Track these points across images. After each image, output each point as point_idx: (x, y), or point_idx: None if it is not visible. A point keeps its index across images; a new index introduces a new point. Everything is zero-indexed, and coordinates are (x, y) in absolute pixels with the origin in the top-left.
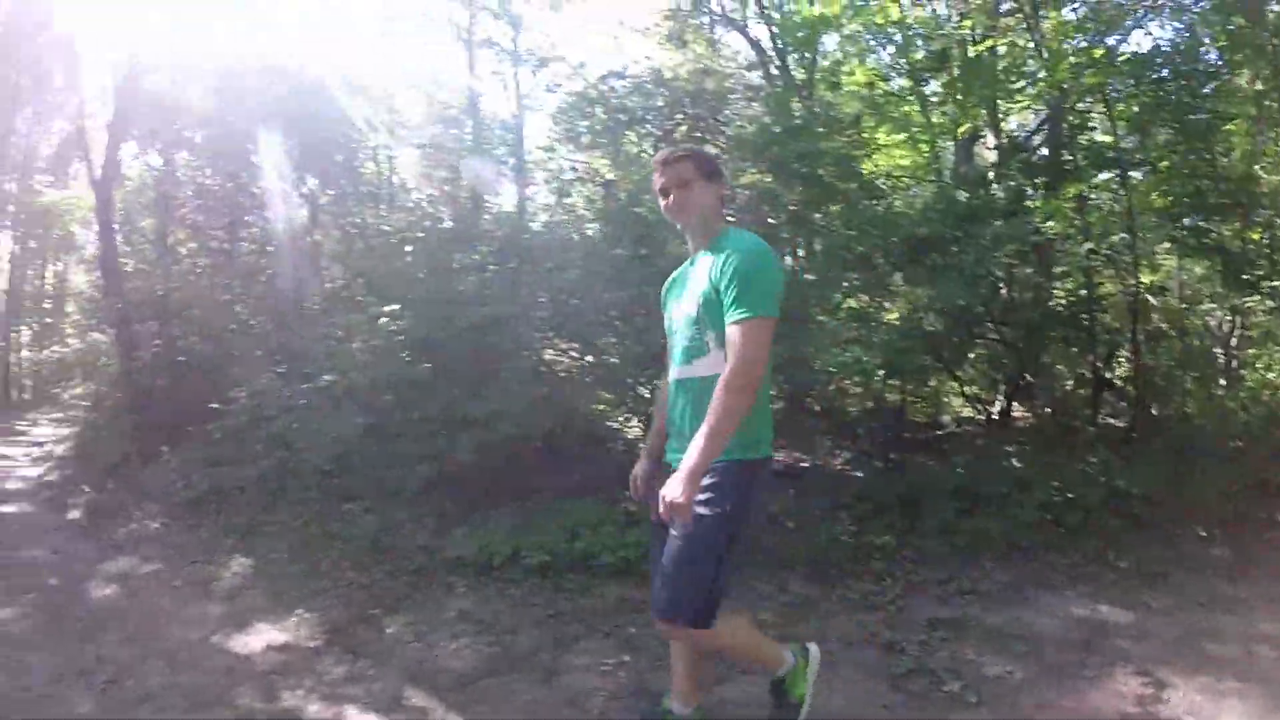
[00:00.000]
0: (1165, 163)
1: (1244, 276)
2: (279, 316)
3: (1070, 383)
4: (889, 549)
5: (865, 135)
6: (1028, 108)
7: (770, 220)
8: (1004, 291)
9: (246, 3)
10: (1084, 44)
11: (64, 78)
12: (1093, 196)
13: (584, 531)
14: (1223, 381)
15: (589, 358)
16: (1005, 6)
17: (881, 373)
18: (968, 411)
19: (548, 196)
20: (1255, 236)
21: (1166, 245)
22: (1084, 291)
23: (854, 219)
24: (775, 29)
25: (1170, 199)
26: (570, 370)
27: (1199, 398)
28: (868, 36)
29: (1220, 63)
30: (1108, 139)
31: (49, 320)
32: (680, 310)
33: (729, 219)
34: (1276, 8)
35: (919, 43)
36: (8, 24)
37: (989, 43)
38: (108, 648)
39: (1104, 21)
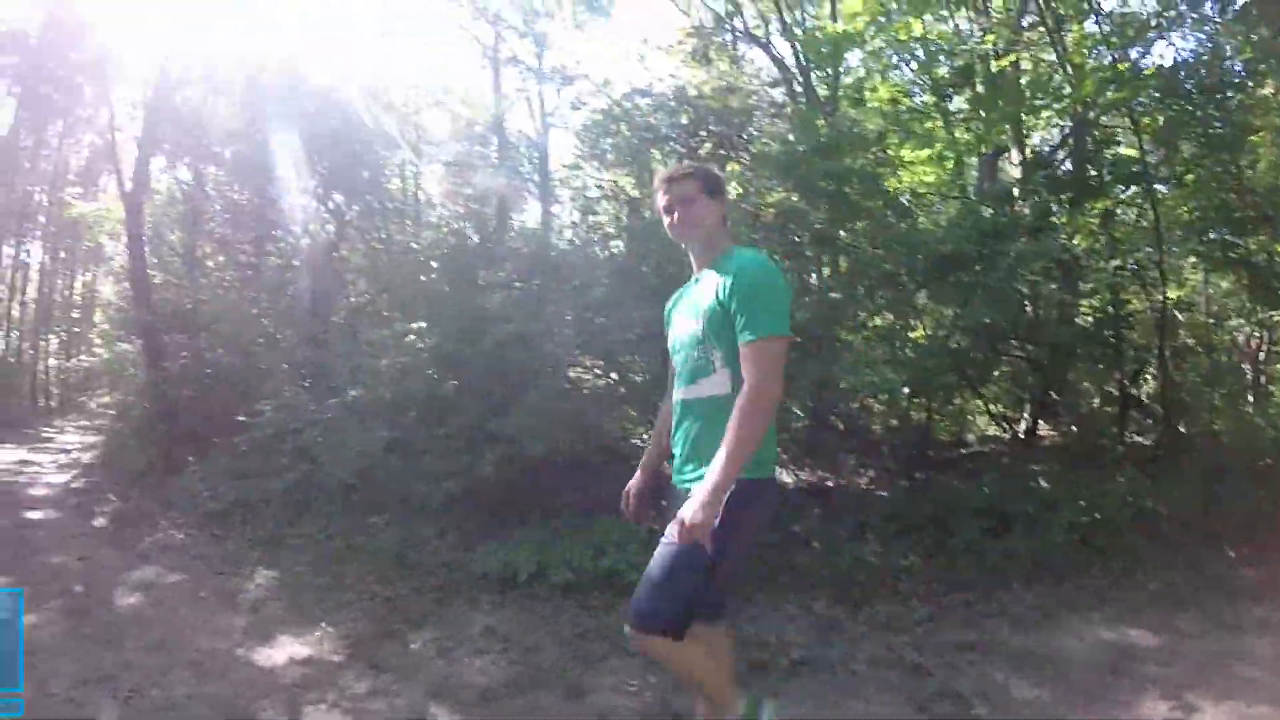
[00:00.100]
0: (1191, 176)
1: (1273, 289)
2: (305, 330)
3: (1096, 400)
4: (916, 569)
5: (890, 152)
6: (1052, 124)
7: (795, 238)
8: (1029, 309)
9: (275, 22)
10: (1107, 57)
11: (95, 92)
12: (1118, 212)
13: (609, 549)
14: (1251, 398)
15: (613, 375)
16: (1027, 21)
17: (906, 390)
18: (993, 430)
19: (572, 214)
20: None
21: (1192, 259)
22: (1111, 309)
23: (879, 237)
24: (798, 46)
25: (1196, 213)
26: (595, 388)
27: (1227, 415)
28: (890, 53)
29: (1244, 74)
30: (1132, 153)
31: (77, 329)
32: (684, 329)
33: (755, 237)
34: None
35: (941, 58)
36: (41, 39)
37: (1012, 57)
38: (132, 655)
39: (1127, 36)
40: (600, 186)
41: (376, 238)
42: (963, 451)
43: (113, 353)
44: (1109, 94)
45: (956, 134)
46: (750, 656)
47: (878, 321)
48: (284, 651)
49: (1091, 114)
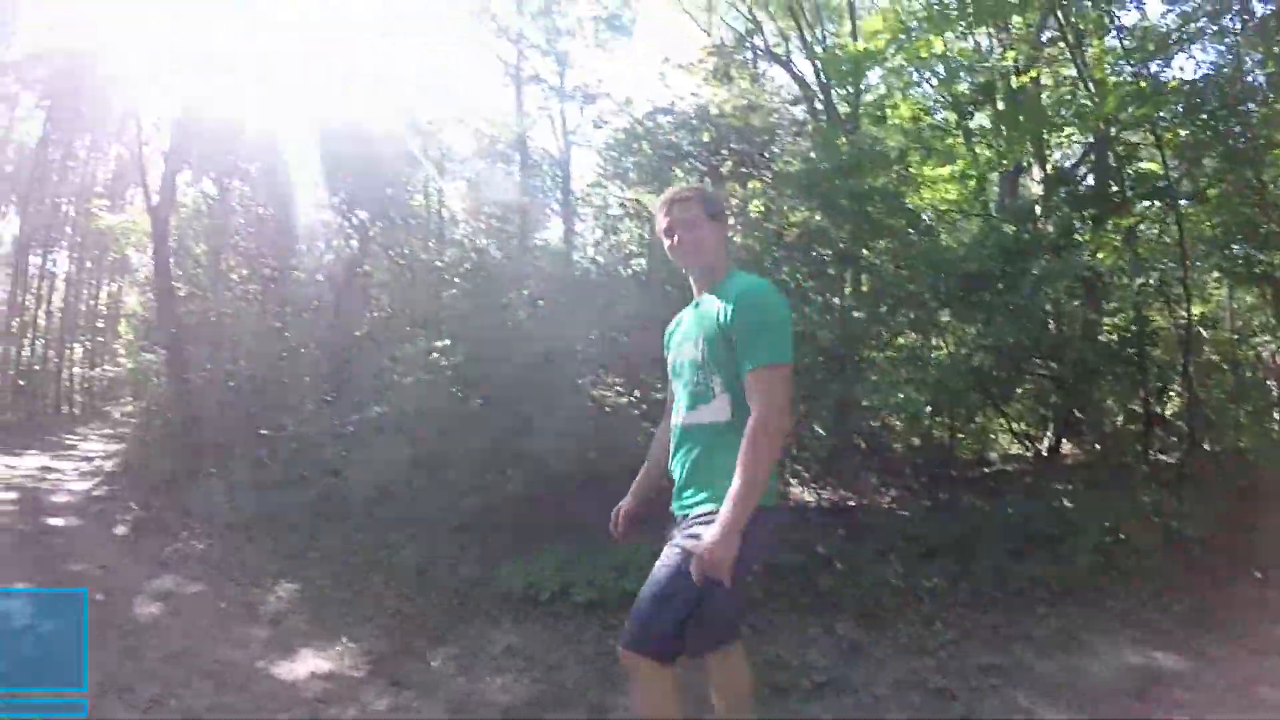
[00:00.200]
0: (1213, 191)
1: None
2: (328, 345)
3: (1120, 418)
4: (939, 591)
5: (911, 170)
6: (1073, 140)
7: (818, 256)
8: (1052, 326)
9: (302, 40)
10: (1128, 71)
11: (122, 107)
12: (1141, 228)
13: (631, 569)
14: (1277, 415)
15: (635, 393)
16: (1047, 36)
17: (929, 408)
18: (1016, 448)
19: (595, 232)
20: None
21: (1215, 275)
22: (1134, 326)
23: (903, 256)
24: (819, 64)
25: (1219, 228)
26: (617, 405)
27: (1253, 432)
28: (911, 70)
29: (1266, 87)
30: (1155, 168)
31: (101, 339)
32: (684, 354)
33: (778, 255)
34: None
35: (962, 75)
36: (70, 55)
37: (1033, 73)
38: (152, 665)
39: (1148, 50)
40: (623, 205)
41: (399, 254)
42: (985, 470)
43: (137, 362)
44: (1132, 110)
45: (978, 151)
46: (772, 678)
47: (900, 340)
48: (305, 665)
49: (1113, 130)
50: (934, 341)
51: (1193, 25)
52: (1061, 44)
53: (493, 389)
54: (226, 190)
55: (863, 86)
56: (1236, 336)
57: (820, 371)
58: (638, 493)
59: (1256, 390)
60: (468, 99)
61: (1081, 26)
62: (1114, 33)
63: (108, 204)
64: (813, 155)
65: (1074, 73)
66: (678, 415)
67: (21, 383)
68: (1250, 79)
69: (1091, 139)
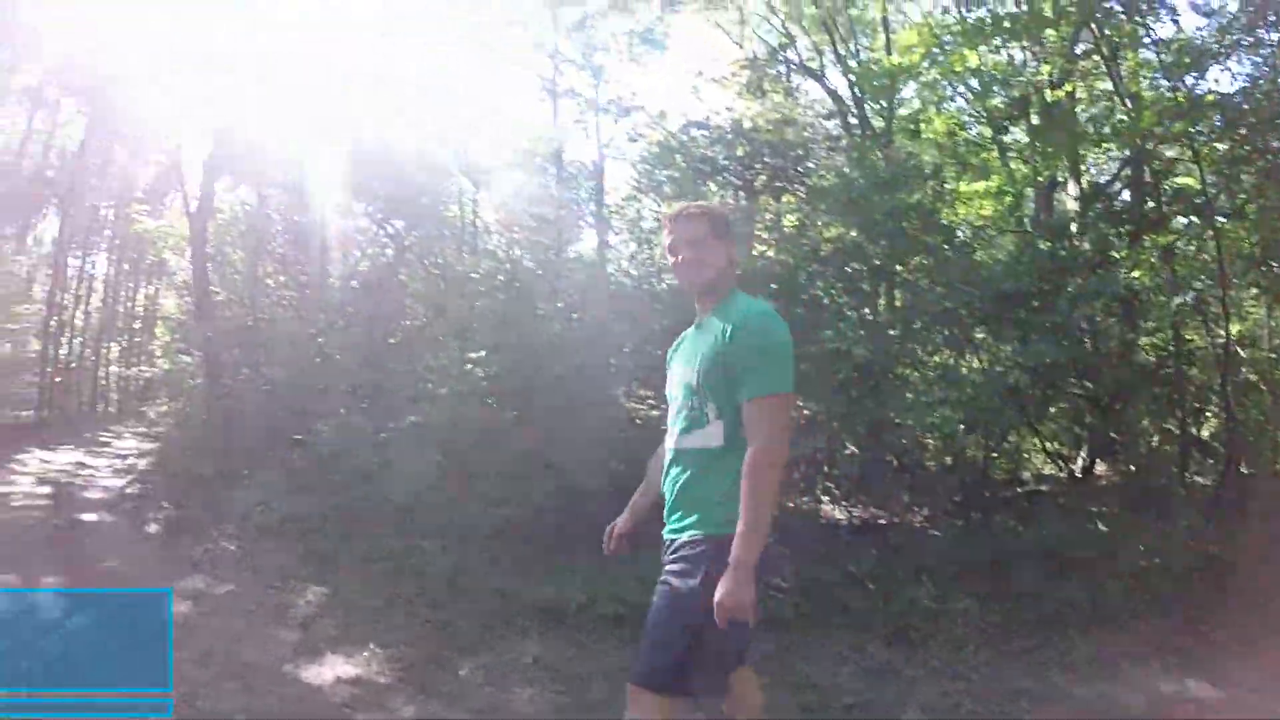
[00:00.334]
0: (1252, 206)
1: None
2: (362, 353)
3: (1156, 439)
4: (972, 613)
5: (947, 185)
6: (1108, 154)
7: (851, 272)
8: (1088, 345)
9: (340, 52)
10: (1164, 84)
11: (163, 115)
12: (1179, 245)
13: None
14: None
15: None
16: (1081, 49)
17: (962, 426)
18: (1049, 468)
19: (629, 244)
20: None
21: (1254, 292)
22: (1171, 345)
23: (938, 272)
24: (853, 78)
25: (1257, 245)
26: (648, 419)
27: None
28: (945, 84)
29: None
30: (1191, 182)
31: (138, 340)
32: (680, 377)
33: (810, 271)
34: None
35: (996, 89)
36: (115, 60)
37: (1068, 87)
38: (181, 666)
39: (1184, 63)
40: (657, 218)
41: (434, 263)
42: (1018, 490)
43: (174, 364)
44: (1171, 125)
45: (1013, 166)
46: (801, 700)
47: (935, 359)
48: (332, 670)
49: (1150, 145)
50: (968, 359)
51: (1229, 37)
52: (1096, 57)
53: (526, 401)
54: (264, 198)
55: (897, 101)
56: (1275, 356)
57: (854, 389)
58: (635, 511)
59: None
60: (504, 111)
61: (1116, 39)
62: (1149, 46)
63: (147, 208)
64: (847, 170)
65: (1109, 86)
66: (670, 438)
67: (59, 380)
68: None
69: (1127, 154)
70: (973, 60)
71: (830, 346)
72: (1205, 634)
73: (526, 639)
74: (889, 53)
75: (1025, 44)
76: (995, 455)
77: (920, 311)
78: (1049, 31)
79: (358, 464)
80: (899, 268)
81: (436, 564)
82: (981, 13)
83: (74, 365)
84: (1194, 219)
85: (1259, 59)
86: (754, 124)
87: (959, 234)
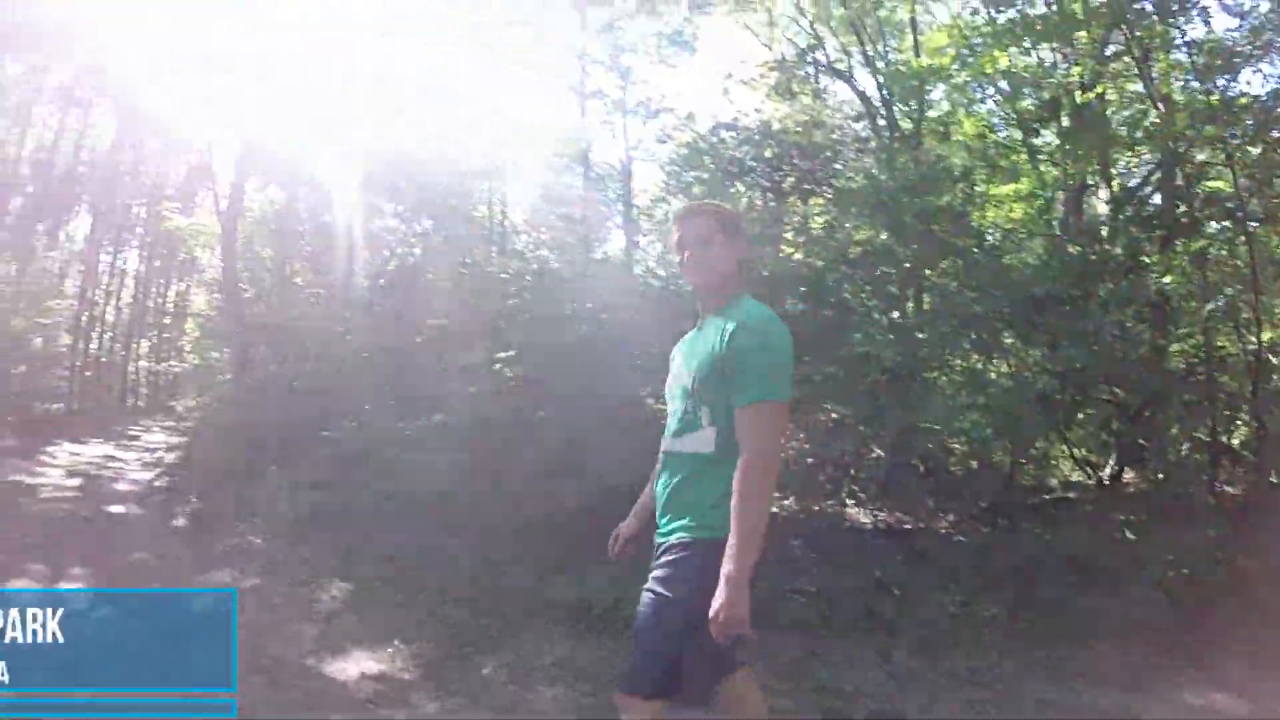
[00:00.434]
0: None
1: None
2: (390, 350)
3: (1185, 447)
4: (999, 621)
5: (977, 188)
6: (1139, 157)
7: (880, 275)
8: (1118, 351)
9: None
10: (1196, 86)
11: (194, 115)
12: (1211, 250)
13: None
14: None
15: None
16: (1112, 50)
17: (990, 431)
18: (1076, 475)
19: (656, 245)
20: None
21: None
22: (1203, 352)
23: (969, 276)
24: (882, 79)
25: None
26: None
27: None
28: (975, 86)
29: None
30: (1223, 185)
31: (168, 335)
32: (677, 379)
33: (843, 270)
34: None
35: (1026, 91)
36: (146, 61)
37: (1098, 89)
38: None
39: (1216, 65)
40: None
41: (462, 262)
42: (1046, 497)
43: (203, 360)
44: (1203, 128)
45: (1043, 169)
46: (824, 705)
47: (962, 363)
48: (356, 665)
49: (1182, 148)
50: (996, 364)
51: (1261, 38)
52: (1127, 59)
53: (553, 400)
54: (294, 198)
55: (926, 103)
56: None
57: (881, 393)
58: (639, 514)
59: None
60: (532, 112)
61: (1147, 41)
62: (1181, 47)
63: (178, 206)
64: (876, 172)
65: (1140, 88)
66: (665, 440)
67: (89, 374)
68: None
69: (1159, 157)
70: (1003, 62)
71: (859, 350)
72: (1232, 647)
73: (549, 639)
74: (917, 54)
75: (1056, 46)
76: (1023, 461)
77: (949, 315)
78: (1080, 33)
79: (384, 461)
80: (928, 271)
81: (461, 561)
82: (1011, 14)
83: (104, 360)
84: (1226, 224)
85: None
86: (783, 126)
87: (988, 237)
